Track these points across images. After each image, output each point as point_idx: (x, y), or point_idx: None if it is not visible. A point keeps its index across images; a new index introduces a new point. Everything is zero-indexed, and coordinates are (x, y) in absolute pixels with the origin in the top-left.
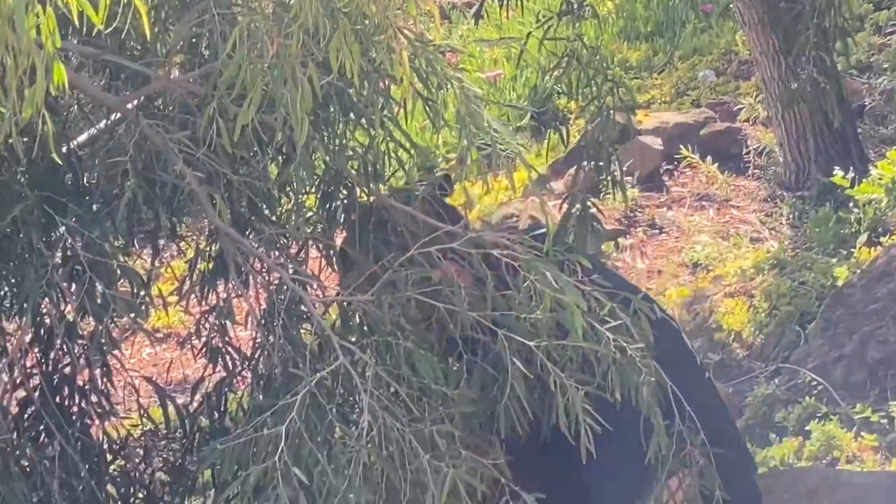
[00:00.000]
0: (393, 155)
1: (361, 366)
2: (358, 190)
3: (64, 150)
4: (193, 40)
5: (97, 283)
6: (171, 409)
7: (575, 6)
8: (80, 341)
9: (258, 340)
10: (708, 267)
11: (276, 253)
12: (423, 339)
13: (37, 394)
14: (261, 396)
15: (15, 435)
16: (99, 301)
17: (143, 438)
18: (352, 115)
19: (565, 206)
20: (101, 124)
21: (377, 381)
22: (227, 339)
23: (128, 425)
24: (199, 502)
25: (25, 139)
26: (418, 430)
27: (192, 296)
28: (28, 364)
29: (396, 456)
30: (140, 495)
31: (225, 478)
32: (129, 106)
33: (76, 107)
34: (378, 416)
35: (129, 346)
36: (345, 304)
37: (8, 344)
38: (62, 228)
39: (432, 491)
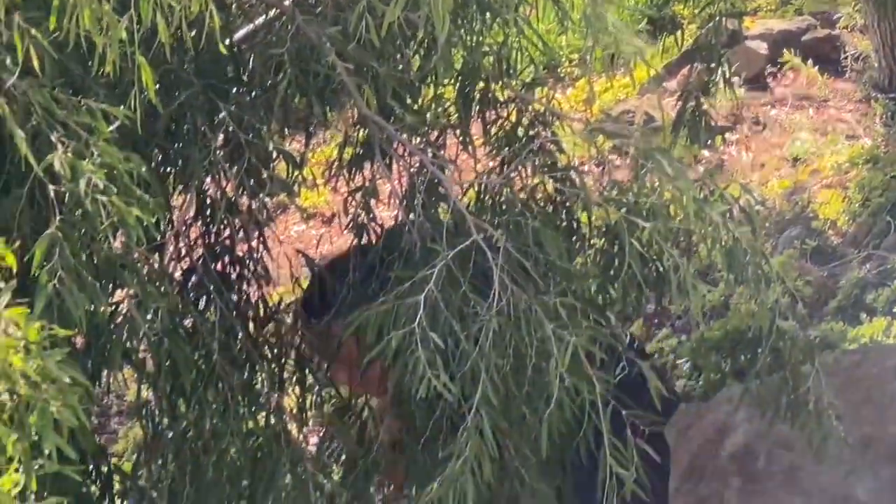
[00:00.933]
0: (524, 52)
1: (493, 243)
2: (492, 83)
3: (227, 42)
4: None
5: (255, 163)
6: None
7: None
8: (238, 216)
9: (400, 218)
10: (806, 161)
11: (417, 139)
12: (549, 219)
13: (200, 263)
14: (401, 268)
15: (180, 299)
16: (256, 180)
17: (294, 305)
18: (488, 14)
19: (679, 103)
20: (260, 20)
21: (507, 256)
22: (371, 216)
23: (280, 292)
24: None
25: (193, 32)
26: (544, 301)
27: (341, 176)
28: (192, 236)
29: (523, 325)
30: (291, 357)
31: (369, 341)
32: (287, 3)
33: (237, 4)
34: (507, 288)
35: (281, 223)
36: (479, 184)
37: (174, 217)
38: (224, 113)
39: (556, 357)
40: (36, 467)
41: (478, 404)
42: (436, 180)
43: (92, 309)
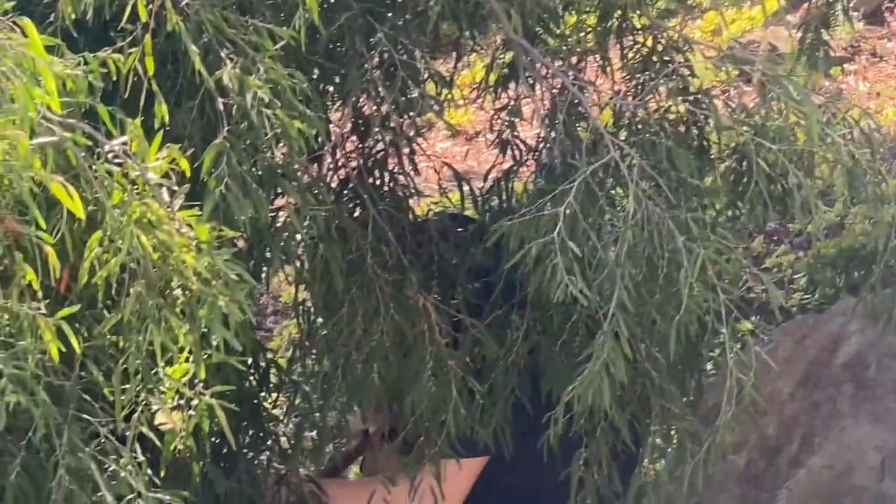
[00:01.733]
0: None
1: (628, 160)
2: (629, 12)
3: None
4: None
5: (408, 82)
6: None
7: None
8: (390, 131)
9: (541, 135)
10: None
11: (559, 62)
12: (681, 139)
13: (354, 174)
14: (542, 183)
15: (335, 207)
16: (408, 97)
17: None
18: None
19: (800, 34)
20: None
21: (641, 173)
22: (514, 133)
23: (428, 203)
24: None
25: None
26: (675, 216)
27: (487, 96)
28: (348, 149)
29: (656, 237)
30: (436, 262)
31: (511, 249)
32: None
33: None
34: (641, 203)
35: (428, 139)
36: (616, 106)
37: (332, 131)
38: (380, 35)
39: (686, 267)
40: (204, 357)
41: (613, 310)
42: (576, 101)
43: (255, 213)
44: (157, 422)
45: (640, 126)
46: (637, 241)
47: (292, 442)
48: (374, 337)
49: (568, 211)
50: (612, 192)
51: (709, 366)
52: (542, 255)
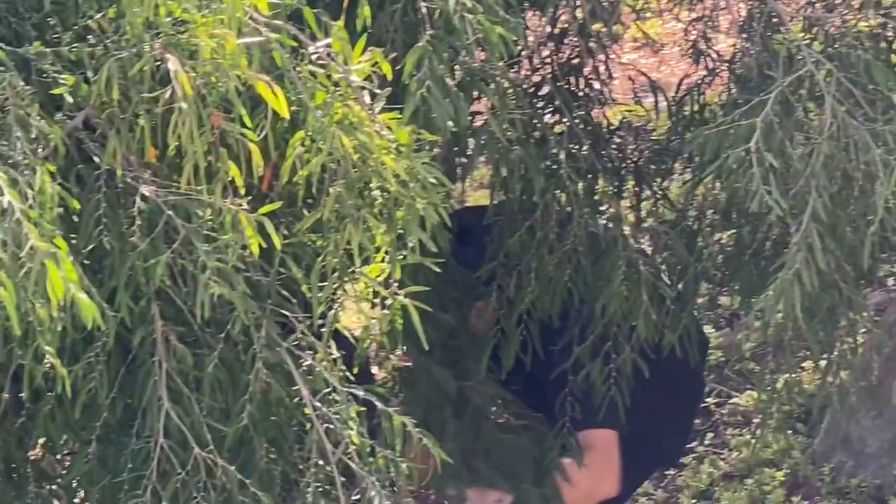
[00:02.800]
0: None
1: (824, 72)
2: None
3: None
4: None
5: None
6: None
7: None
8: (585, 39)
9: (737, 46)
10: None
11: None
12: (878, 53)
13: (550, 79)
14: (737, 94)
15: (532, 111)
16: (604, 4)
17: (634, 122)
18: None
19: None
20: None
21: (838, 85)
22: (709, 44)
23: (622, 110)
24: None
25: None
26: (872, 128)
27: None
28: (544, 54)
29: (851, 149)
30: (630, 168)
31: (706, 158)
32: None
33: None
34: (837, 115)
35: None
36: (812, 18)
37: (530, 36)
38: None
39: (881, 179)
40: (400, 258)
41: (807, 221)
42: (773, 12)
43: (454, 117)
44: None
45: (835, 39)
46: (833, 152)
47: None
48: (568, 239)
49: (764, 122)
50: (808, 103)
51: (890, 281)
52: (738, 165)
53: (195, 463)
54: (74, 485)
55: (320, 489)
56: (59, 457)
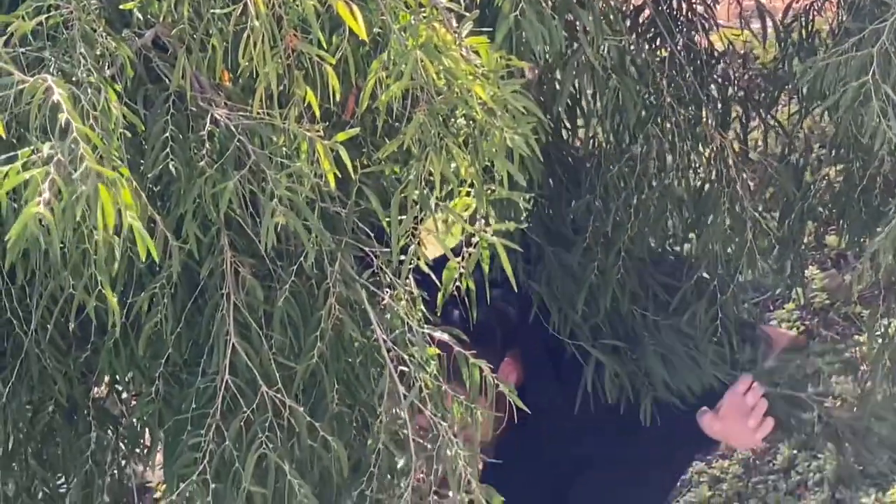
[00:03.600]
0: None
1: None
2: None
3: None
4: None
5: None
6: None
7: None
8: None
9: None
10: None
11: None
12: None
13: (650, 3)
14: (849, 21)
15: (630, 38)
16: None
17: (740, 48)
18: None
19: None
20: None
21: None
22: None
23: (728, 34)
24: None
25: None
26: None
27: None
28: None
29: None
30: (735, 97)
31: (819, 90)
32: None
33: None
34: None
35: None
36: None
37: None
38: None
39: None
40: (486, 192)
41: None
42: None
43: (547, 42)
44: (431, 256)
45: None
46: None
47: None
48: (668, 173)
49: (880, 52)
50: None
51: None
52: (855, 98)
53: (262, 402)
54: (138, 426)
55: (392, 436)
56: (122, 397)
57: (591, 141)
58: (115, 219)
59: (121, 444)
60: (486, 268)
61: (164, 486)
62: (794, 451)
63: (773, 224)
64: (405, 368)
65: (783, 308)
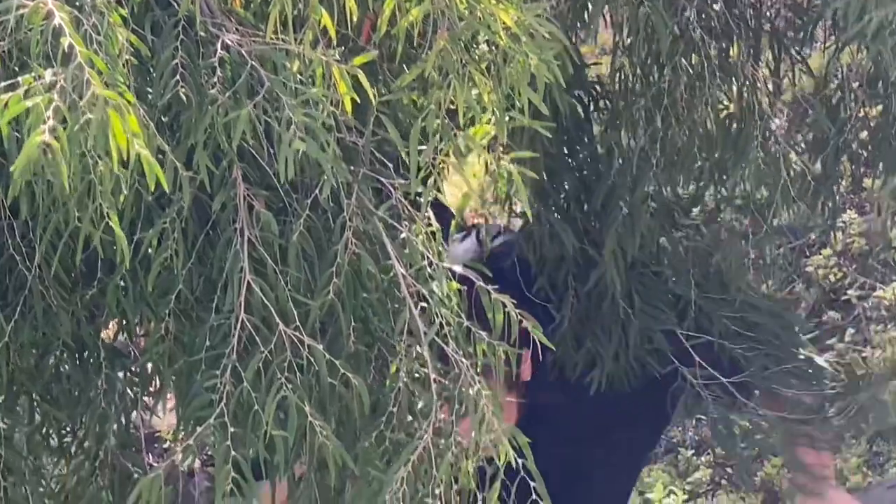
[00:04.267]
0: None
1: None
2: None
3: None
4: None
5: None
6: None
7: None
8: None
9: None
10: None
11: None
12: None
13: None
14: None
15: None
16: None
17: None
18: None
19: None
20: None
21: None
22: None
23: None
24: None
25: None
26: None
27: None
28: None
29: None
30: (767, 30)
31: (850, 21)
32: None
33: None
34: None
35: None
36: None
37: None
38: None
39: None
40: (507, 120)
41: None
42: None
43: None
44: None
45: None
46: None
47: None
48: (697, 109)
49: None
50: None
51: None
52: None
53: (279, 341)
54: (149, 368)
55: (413, 374)
56: (132, 339)
57: (617, 73)
58: (124, 146)
59: (128, 389)
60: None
61: (173, 433)
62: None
63: (807, 162)
64: (425, 304)
65: (819, 254)
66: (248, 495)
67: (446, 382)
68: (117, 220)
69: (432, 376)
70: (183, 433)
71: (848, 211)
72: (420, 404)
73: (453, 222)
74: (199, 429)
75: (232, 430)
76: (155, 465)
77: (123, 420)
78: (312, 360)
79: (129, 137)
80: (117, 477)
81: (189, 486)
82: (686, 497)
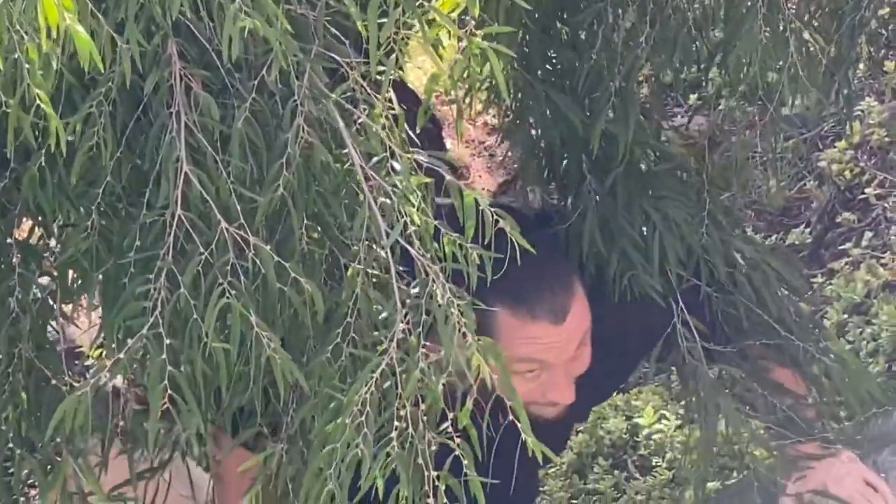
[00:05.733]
0: None
1: None
2: None
3: None
4: None
5: None
6: None
7: None
8: None
9: None
10: None
11: None
12: None
13: None
14: None
15: None
16: None
17: None
18: None
19: None
20: None
21: None
22: None
23: None
24: None
25: None
26: None
27: None
28: None
29: None
30: None
31: None
32: None
33: None
34: None
35: None
36: None
37: None
38: None
39: None
40: None
41: None
42: None
43: None
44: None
45: None
46: None
47: None
48: None
49: None
50: None
51: None
52: None
53: (220, 241)
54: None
55: (373, 278)
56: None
57: None
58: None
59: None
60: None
61: (97, 349)
62: (845, 316)
63: (819, 42)
64: (386, 200)
65: (834, 147)
66: (186, 418)
67: (411, 289)
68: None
69: (395, 281)
70: (110, 347)
71: (866, 98)
72: (382, 314)
73: (420, 110)
74: (129, 341)
75: (167, 342)
76: (77, 384)
77: (40, 323)
78: (258, 262)
79: (60, 10)
80: (32, 381)
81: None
82: (679, 423)
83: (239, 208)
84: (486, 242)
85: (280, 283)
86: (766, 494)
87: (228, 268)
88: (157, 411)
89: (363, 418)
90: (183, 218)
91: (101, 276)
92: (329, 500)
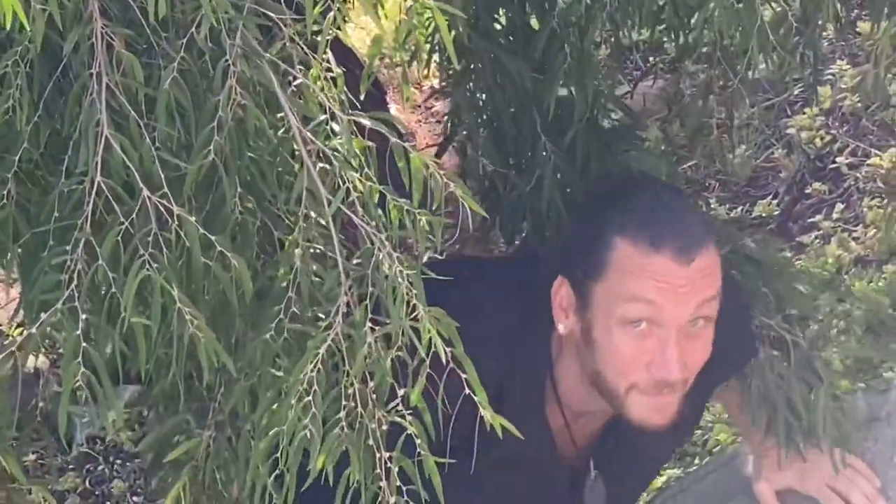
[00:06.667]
0: None
1: None
2: None
3: None
4: None
5: None
6: None
7: None
8: None
9: None
10: None
11: None
12: None
13: None
14: None
15: None
16: None
17: None
18: None
19: None
20: None
21: None
22: None
23: None
24: None
25: None
26: None
27: None
28: None
29: None
30: None
31: None
32: None
33: None
34: None
35: None
36: None
37: None
38: None
39: None
40: None
41: None
42: None
43: None
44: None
45: None
46: None
47: None
48: None
49: None
50: None
51: None
52: None
53: (143, 211)
54: None
55: (312, 249)
56: None
57: None
58: None
59: None
60: None
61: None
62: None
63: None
64: (327, 166)
65: (803, 113)
66: (103, 398)
67: (355, 260)
68: None
69: (338, 252)
70: (25, 321)
71: (838, 61)
72: (324, 287)
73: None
74: (44, 315)
75: (84, 317)
76: None
77: None
78: (182, 234)
79: None
80: None
81: (34, 388)
82: None
83: (163, 176)
84: None
85: (207, 258)
86: (730, 481)
87: (150, 239)
88: (69, 391)
89: (310, 398)
90: (103, 186)
91: (19, 249)
92: (277, 485)
